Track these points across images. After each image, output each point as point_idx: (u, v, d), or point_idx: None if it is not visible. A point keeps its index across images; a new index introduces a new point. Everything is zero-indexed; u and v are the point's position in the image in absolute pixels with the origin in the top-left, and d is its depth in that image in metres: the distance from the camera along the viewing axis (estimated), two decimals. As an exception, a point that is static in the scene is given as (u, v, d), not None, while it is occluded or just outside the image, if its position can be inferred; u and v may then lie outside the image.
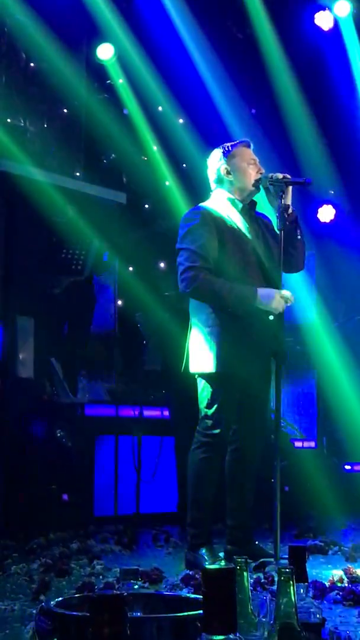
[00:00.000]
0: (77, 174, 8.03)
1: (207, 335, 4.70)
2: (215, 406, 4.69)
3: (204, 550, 4.62)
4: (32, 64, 7.85)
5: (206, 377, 4.74)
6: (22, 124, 7.69)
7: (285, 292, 4.70)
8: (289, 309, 4.87)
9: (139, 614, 1.62)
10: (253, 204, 4.99)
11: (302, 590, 2.08)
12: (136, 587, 1.83)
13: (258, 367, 4.76)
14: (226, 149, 4.97)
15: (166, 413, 7.59)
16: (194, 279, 4.60)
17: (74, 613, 1.50)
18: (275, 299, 4.64)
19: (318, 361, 8.11)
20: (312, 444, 8.34)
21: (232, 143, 5.02)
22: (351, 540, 5.84)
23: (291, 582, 1.87)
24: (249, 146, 4.98)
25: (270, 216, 5.05)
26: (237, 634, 1.21)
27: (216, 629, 1.20)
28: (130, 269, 8.41)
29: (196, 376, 4.81)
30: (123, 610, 1.05)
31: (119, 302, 8.33)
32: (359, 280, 9.14)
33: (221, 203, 4.90)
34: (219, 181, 4.96)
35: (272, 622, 1.90)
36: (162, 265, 8.69)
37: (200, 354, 4.73)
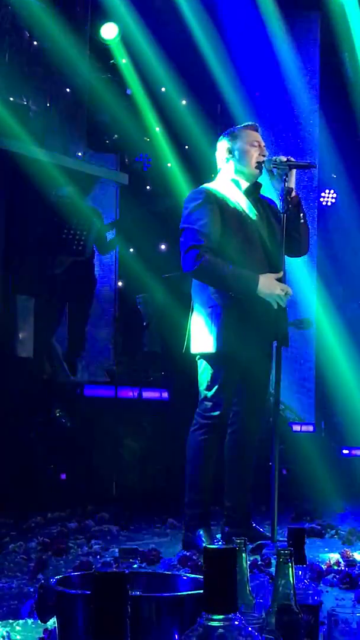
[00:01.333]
0: (80, 154, 8.00)
1: (208, 316, 4.70)
2: (215, 388, 4.69)
3: (201, 532, 4.64)
4: (35, 43, 7.81)
5: (207, 357, 4.74)
6: (25, 103, 7.66)
7: (286, 287, 4.69)
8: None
9: (138, 593, 1.63)
10: (257, 186, 4.97)
11: (300, 572, 2.09)
12: (135, 566, 1.83)
13: (259, 349, 4.76)
14: (233, 129, 4.96)
15: (165, 395, 7.60)
16: (197, 259, 4.59)
17: (75, 591, 1.51)
18: (276, 291, 4.64)
19: (318, 345, 8.12)
20: (311, 427, 8.36)
21: (240, 125, 5.01)
22: (348, 524, 5.86)
23: (290, 564, 1.88)
24: (256, 129, 4.96)
25: (274, 199, 5.03)
26: (238, 614, 1.22)
27: (217, 608, 1.20)
28: (131, 250, 8.39)
29: (197, 358, 4.82)
30: (125, 587, 1.05)
31: (120, 284, 8.32)
32: (358, 265, 9.15)
33: (225, 184, 4.89)
34: (224, 162, 4.95)
35: (270, 603, 1.91)
36: (163, 246, 8.68)
37: (201, 334, 4.73)
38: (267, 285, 4.64)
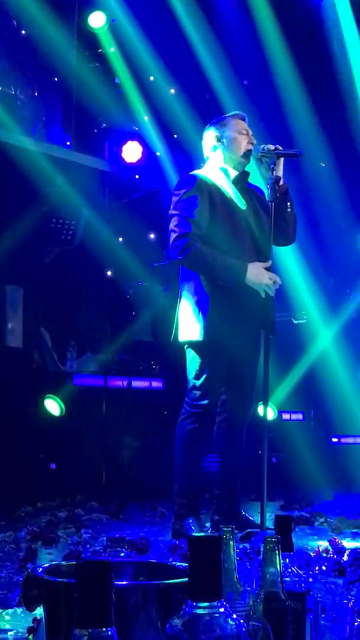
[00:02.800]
0: (68, 143, 7.98)
1: (195, 304, 4.71)
2: (203, 377, 4.70)
3: (191, 520, 4.65)
4: (23, 32, 7.77)
5: (194, 346, 4.75)
6: (13, 92, 7.63)
7: (274, 276, 4.70)
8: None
9: (125, 581, 1.63)
10: (245, 174, 4.97)
11: (287, 560, 2.10)
12: (122, 555, 1.84)
13: (246, 337, 4.77)
14: (220, 117, 4.97)
15: (155, 384, 7.61)
16: (186, 247, 4.59)
17: (61, 579, 1.51)
18: (264, 280, 4.65)
19: (306, 332, 8.12)
20: (300, 416, 8.37)
21: (228, 114, 5.01)
22: (337, 512, 5.88)
23: (277, 551, 1.89)
24: (243, 119, 4.96)
25: (263, 188, 5.03)
26: (223, 601, 1.22)
27: (202, 596, 1.21)
28: (120, 239, 8.38)
29: (185, 347, 4.82)
30: (109, 576, 1.06)
31: (109, 273, 8.31)
32: (347, 252, 9.15)
33: (213, 171, 4.89)
34: (211, 150, 4.94)
35: (257, 591, 1.92)
36: (151, 235, 8.66)
37: (188, 323, 4.74)
38: (256, 274, 4.64)
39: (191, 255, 4.60)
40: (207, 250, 4.62)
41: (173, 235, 4.66)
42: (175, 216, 4.70)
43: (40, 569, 1.60)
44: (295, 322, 7.30)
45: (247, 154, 4.87)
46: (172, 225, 4.69)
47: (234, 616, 1.24)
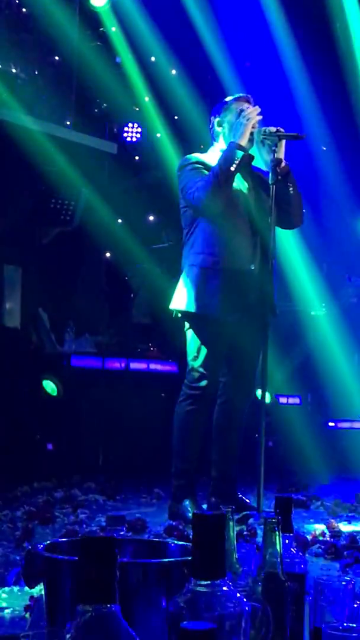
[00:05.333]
0: (68, 122, 7.94)
1: (187, 275, 4.76)
2: (202, 358, 4.70)
3: (187, 502, 4.65)
4: (24, 10, 7.72)
5: (190, 321, 4.76)
6: (14, 71, 7.58)
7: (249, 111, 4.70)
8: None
9: (125, 559, 1.63)
10: (249, 157, 4.95)
11: (287, 541, 2.10)
12: (122, 533, 1.83)
13: (246, 319, 4.75)
14: (224, 102, 4.95)
15: (153, 366, 7.60)
16: (196, 196, 4.61)
17: (62, 557, 1.51)
18: (245, 126, 4.66)
19: (304, 317, 8.12)
20: (297, 400, 8.37)
21: (232, 97, 4.99)
22: (333, 496, 5.90)
23: (277, 532, 1.88)
24: (247, 101, 4.93)
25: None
26: (226, 579, 1.21)
27: (205, 574, 1.20)
28: (120, 221, 8.35)
29: (185, 329, 4.82)
30: (113, 552, 1.05)
31: (107, 254, 8.29)
32: (345, 234, 9.14)
33: (215, 155, 4.88)
34: (214, 135, 4.94)
35: (256, 571, 1.91)
36: (151, 217, 8.64)
37: (179, 292, 4.77)
38: (239, 135, 4.65)
39: (201, 190, 4.59)
40: (203, 176, 4.63)
41: (190, 197, 4.66)
42: (184, 186, 4.71)
43: (41, 546, 1.60)
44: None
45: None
46: (187, 195, 4.70)
47: (237, 595, 1.23)
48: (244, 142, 4.66)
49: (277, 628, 1.75)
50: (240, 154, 4.63)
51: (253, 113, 4.69)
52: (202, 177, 4.67)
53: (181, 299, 4.77)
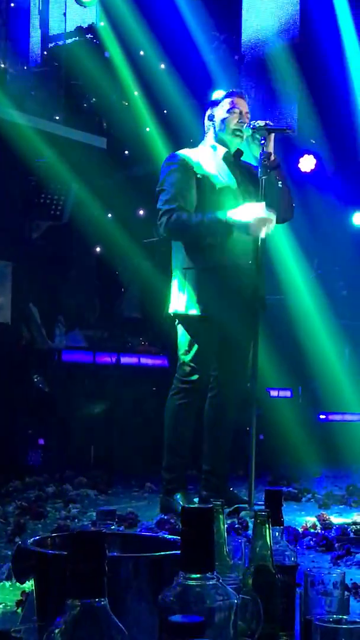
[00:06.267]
0: (57, 117, 7.92)
1: (182, 277, 4.73)
2: (192, 352, 4.71)
3: (178, 495, 4.67)
4: (12, 4, 7.69)
5: (182, 320, 4.77)
6: (2, 66, 7.56)
7: (267, 213, 4.63)
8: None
9: (116, 554, 1.63)
10: (238, 152, 4.96)
11: (277, 534, 2.11)
12: (113, 528, 1.84)
13: (237, 313, 4.76)
14: (216, 97, 4.97)
15: (144, 360, 7.61)
16: (169, 219, 4.61)
17: (52, 551, 1.51)
18: (251, 227, 4.60)
19: (295, 311, 8.13)
20: (288, 393, 8.39)
21: (225, 92, 4.99)
22: (324, 488, 5.92)
23: (267, 525, 1.89)
24: (240, 96, 4.93)
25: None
26: (215, 573, 1.22)
27: (194, 568, 1.21)
28: (110, 215, 8.35)
29: (175, 322, 4.83)
30: (102, 546, 1.05)
31: (98, 249, 8.28)
32: (336, 231, 9.16)
33: (203, 150, 4.89)
34: (206, 129, 4.97)
35: (247, 564, 1.92)
36: (141, 212, 8.63)
37: (175, 295, 4.76)
38: (241, 212, 4.61)
39: (173, 223, 4.61)
40: (186, 213, 4.62)
41: (160, 213, 4.68)
42: (161, 193, 4.72)
43: (31, 541, 1.60)
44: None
45: (235, 132, 4.86)
46: (158, 204, 4.73)
47: (227, 588, 1.24)
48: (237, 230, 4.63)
49: (268, 620, 1.76)
50: (225, 235, 4.61)
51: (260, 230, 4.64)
52: (179, 205, 4.63)
53: (174, 301, 4.77)
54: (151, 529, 4.11)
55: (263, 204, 4.63)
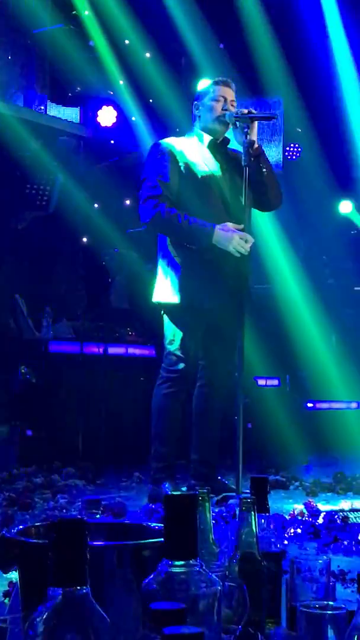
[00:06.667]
0: (42, 107, 7.88)
1: (167, 266, 4.74)
2: (178, 342, 4.72)
3: (167, 485, 4.67)
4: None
5: (167, 309, 4.77)
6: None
7: (244, 235, 4.66)
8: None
9: (100, 542, 1.63)
10: (225, 141, 4.96)
11: (263, 521, 2.11)
12: (98, 516, 1.83)
13: (222, 302, 4.75)
14: (203, 86, 4.97)
15: (131, 350, 7.60)
16: (153, 209, 4.61)
17: (36, 541, 1.51)
18: (234, 241, 4.61)
19: (282, 300, 8.14)
20: (275, 382, 8.40)
21: (212, 81, 4.99)
22: (312, 476, 5.93)
23: (253, 512, 1.90)
24: (226, 85, 4.92)
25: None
26: (198, 560, 1.22)
27: (178, 555, 1.21)
28: (96, 205, 8.32)
29: (161, 313, 4.83)
30: (84, 534, 1.05)
31: (84, 239, 8.25)
32: (321, 216, 9.16)
33: (190, 138, 4.90)
34: (194, 116, 4.98)
35: (233, 552, 1.93)
36: (127, 201, 8.61)
37: (160, 284, 4.78)
38: (223, 234, 4.62)
39: (157, 217, 4.63)
40: (174, 212, 4.62)
41: (142, 199, 4.69)
42: (145, 180, 4.72)
43: (14, 531, 1.60)
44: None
45: (220, 120, 4.86)
46: (141, 191, 4.74)
47: (210, 575, 1.24)
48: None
49: (254, 607, 1.76)
50: (209, 241, 4.61)
51: (241, 246, 4.63)
52: (163, 195, 4.63)
53: (159, 291, 4.78)
54: (139, 518, 4.12)
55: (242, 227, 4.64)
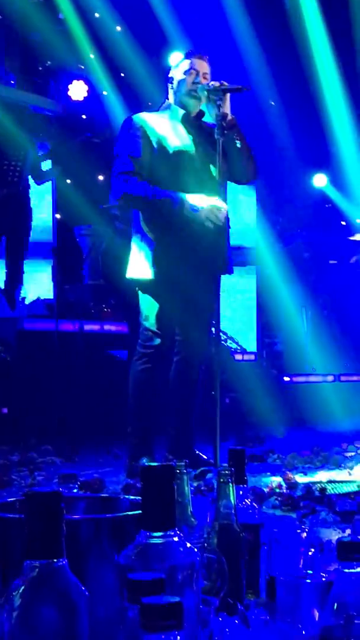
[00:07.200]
0: (12, 82, 7.79)
1: (140, 241, 4.72)
2: (153, 317, 4.71)
3: (144, 460, 4.66)
4: None
5: (141, 285, 4.75)
6: None
7: (217, 202, 4.63)
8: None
9: (77, 516, 1.62)
10: (199, 114, 4.92)
11: (241, 492, 2.11)
12: (75, 491, 1.82)
13: (196, 276, 4.73)
14: (175, 59, 4.93)
15: (107, 327, 7.58)
16: (123, 184, 4.58)
17: (12, 515, 1.49)
18: (206, 208, 4.58)
19: (258, 274, 8.14)
20: (252, 356, 8.42)
21: (184, 53, 4.94)
22: (289, 449, 5.96)
23: (230, 484, 1.89)
24: (198, 57, 4.88)
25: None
26: (176, 530, 1.21)
27: (155, 526, 1.19)
28: (68, 181, 8.26)
29: (136, 289, 4.82)
30: (59, 506, 1.03)
31: (57, 215, 8.20)
32: (296, 193, 9.15)
33: (163, 113, 4.86)
34: (167, 91, 4.94)
35: (211, 523, 1.92)
36: (100, 177, 8.55)
37: (133, 260, 4.75)
38: (194, 205, 4.59)
39: (127, 192, 4.59)
40: (143, 185, 4.59)
41: (114, 175, 4.67)
42: (116, 158, 4.70)
43: (-9, 506, 1.58)
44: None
45: (191, 93, 4.82)
46: (113, 167, 4.73)
47: (188, 545, 1.23)
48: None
49: (233, 578, 1.76)
50: (180, 210, 4.57)
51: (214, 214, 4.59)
52: (135, 171, 4.61)
53: (133, 267, 4.76)
54: (118, 494, 4.11)
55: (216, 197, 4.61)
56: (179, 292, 4.72)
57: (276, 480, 4.42)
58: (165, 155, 4.72)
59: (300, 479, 4.61)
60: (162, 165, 4.71)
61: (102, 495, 2.27)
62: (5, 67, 7.79)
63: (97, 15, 8.39)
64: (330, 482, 4.39)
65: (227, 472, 1.89)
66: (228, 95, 4.76)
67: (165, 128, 4.78)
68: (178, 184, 4.70)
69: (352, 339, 8.60)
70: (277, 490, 4.19)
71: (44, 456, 5.64)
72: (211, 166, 4.80)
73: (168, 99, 4.93)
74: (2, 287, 7.54)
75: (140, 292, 4.81)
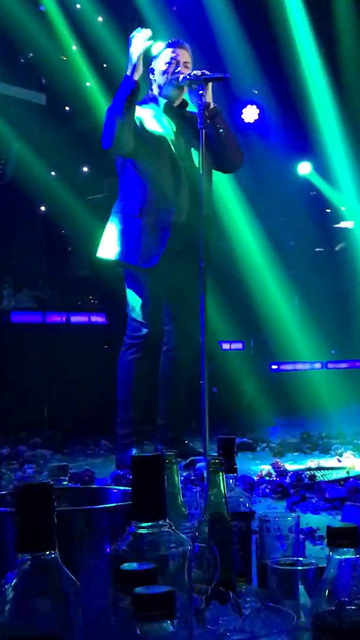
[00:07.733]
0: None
1: (113, 221, 4.75)
2: (138, 307, 4.71)
3: (134, 451, 4.67)
4: None
5: (125, 274, 4.76)
6: None
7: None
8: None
9: (68, 507, 1.62)
10: (182, 104, 4.92)
11: (231, 481, 2.12)
12: (65, 483, 1.82)
13: (181, 264, 4.73)
14: (157, 49, 4.91)
15: (94, 318, 7.57)
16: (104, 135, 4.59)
17: (4, 509, 1.50)
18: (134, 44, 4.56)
19: (244, 262, 8.13)
20: (240, 345, 8.42)
21: (165, 43, 4.92)
22: (278, 437, 5.98)
23: (220, 473, 1.89)
24: (180, 46, 4.87)
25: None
26: (167, 520, 1.21)
27: (146, 516, 1.20)
28: (53, 173, 8.23)
29: (124, 277, 4.83)
30: (50, 498, 1.04)
31: (42, 208, 8.17)
32: (281, 181, 9.15)
33: (147, 104, 4.85)
34: (150, 82, 4.92)
35: (202, 512, 1.93)
36: (85, 169, 8.53)
37: (106, 240, 4.79)
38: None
39: (106, 132, 4.56)
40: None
41: (102, 145, 4.64)
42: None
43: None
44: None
45: (173, 83, 4.81)
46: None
47: (179, 535, 1.23)
48: (134, 74, 4.56)
49: (224, 567, 1.77)
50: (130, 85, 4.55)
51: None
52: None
53: (106, 246, 4.77)
54: (107, 485, 4.12)
55: None
56: (161, 282, 4.73)
57: (265, 468, 4.44)
58: (145, 139, 4.72)
59: (290, 466, 4.63)
60: (143, 147, 4.70)
61: (92, 486, 2.27)
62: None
63: (78, 6, 8.35)
64: (319, 469, 4.41)
65: (217, 461, 1.90)
66: (210, 84, 4.75)
67: (147, 118, 4.78)
68: (155, 168, 4.71)
69: (339, 326, 8.62)
70: (267, 478, 4.21)
71: (33, 449, 5.64)
72: (191, 156, 4.81)
73: (152, 90, 4.93)
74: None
75: (126, 283, 4.82)
